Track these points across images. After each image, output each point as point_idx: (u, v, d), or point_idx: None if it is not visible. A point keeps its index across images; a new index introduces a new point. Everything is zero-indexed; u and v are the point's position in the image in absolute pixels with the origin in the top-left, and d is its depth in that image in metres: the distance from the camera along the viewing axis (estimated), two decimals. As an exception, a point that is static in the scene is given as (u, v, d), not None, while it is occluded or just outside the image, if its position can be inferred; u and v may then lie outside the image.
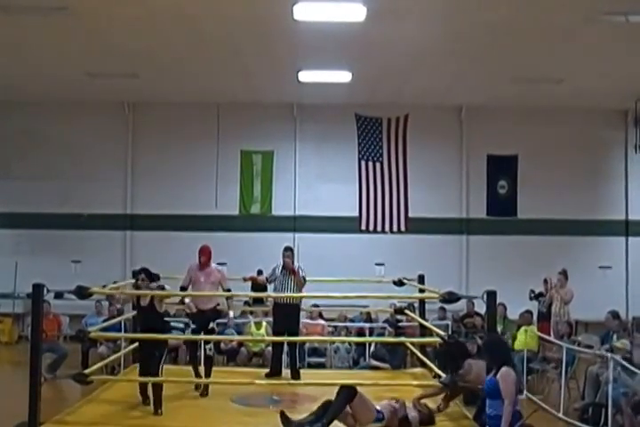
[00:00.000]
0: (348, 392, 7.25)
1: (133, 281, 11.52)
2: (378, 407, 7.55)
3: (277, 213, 18.01)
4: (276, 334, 10.67)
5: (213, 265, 9.70)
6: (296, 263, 10.62)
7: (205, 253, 9.57)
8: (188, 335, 10.45)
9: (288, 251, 10.58)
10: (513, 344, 12.71)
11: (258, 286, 13.48)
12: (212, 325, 9.56)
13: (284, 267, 10.44)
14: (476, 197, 18.13)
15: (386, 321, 14.08)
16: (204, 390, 9.12)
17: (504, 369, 6.52)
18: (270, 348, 11.83)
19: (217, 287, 9.61)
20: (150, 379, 8.02)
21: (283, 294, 10.34)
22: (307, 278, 10.44)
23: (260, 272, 13.13)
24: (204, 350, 9.89)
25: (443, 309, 14.85)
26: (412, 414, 7.68)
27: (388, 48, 12.99)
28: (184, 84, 16.10)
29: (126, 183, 18.01)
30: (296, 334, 10.59)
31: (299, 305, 10.64)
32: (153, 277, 8.48)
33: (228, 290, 9.68)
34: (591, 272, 17.26)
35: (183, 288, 9.65)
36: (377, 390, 8.46)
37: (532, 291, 14.49)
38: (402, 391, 8.37)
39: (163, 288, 8.47)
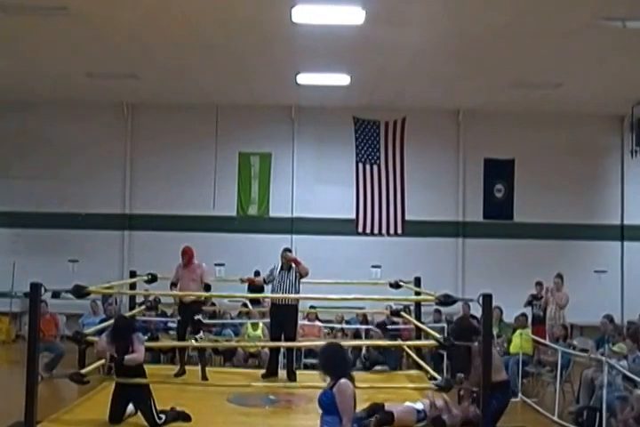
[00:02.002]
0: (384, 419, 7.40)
1: (130, 280, 11.66)
2: (419, 406, 7.55)
3: (275, 215, 18.03)
4: (273, 334, 10.72)
5: (196, 262, 10.51)
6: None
7: (186, 255, 10.48)
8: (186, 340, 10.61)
9: (286, 251, 10.67)
10: (508, 347, 12.77)
11: (255, 288, 13.54)
12: (197, 317, 10.40)
13: (282, 268, 10.49)
14: (472, 200, 18.17)
15: (378, 325, 14.04)
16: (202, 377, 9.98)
17: (342, 382, 5.67)
18: (267, 349, 11.91)
19: (199, 282, 10.43)
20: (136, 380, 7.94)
21: (280, 295, 10.39)
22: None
23: (257, 273, 13.17)
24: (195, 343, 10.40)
25: (438, 311, 14.90)
26: (456, 412, 7.65)
27: (387, 51, 13.02)
28: (183, 85, 16.14)
29: (125, 183, 18.03)
30: (293, 335, 10.62)
31: (296, 306, 10.67)
32: (126, 335, 7.89)
33: (207, 285, 10.47)
34: (586, 276, 17.32)
35: (173, 284, 10.57)
36: (373, 392, 8.50)
37: (534, 296, 14.52)
38: (397, 394, 8.42)
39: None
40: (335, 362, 5.82)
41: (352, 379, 5.73)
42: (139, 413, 7.75)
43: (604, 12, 10.75)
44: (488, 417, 7.16)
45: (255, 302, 14.66)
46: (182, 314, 10.54)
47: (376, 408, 7.65)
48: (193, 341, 10.23)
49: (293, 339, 10.60)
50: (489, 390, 7.08)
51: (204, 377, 9.99)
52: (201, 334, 10.45)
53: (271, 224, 17.89)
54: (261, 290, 13.26)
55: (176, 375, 10.08)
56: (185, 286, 10.41)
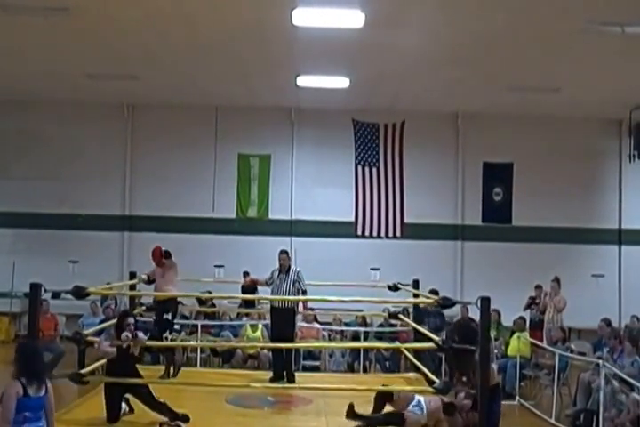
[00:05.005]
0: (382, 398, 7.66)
1: (129, 282, 11.66)
2: (423, 420, 7.58)
3: (274, 217, 18.05)
4: (273, 337, 10.70)
5: (167, 262, 10.52)
6: (293, 267, 10.63)
7: (154, 256, 10.51)
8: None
9: (283, 253, 10.61)
10: (506, 350, 12.81)
11: (247, 289, 13.57)
12: (166, 316, 10.31)
13: (280, 271, 10.47)
14: (471, 203, 18.20)
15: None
16: (174, 373, 9.84)
17: (9, 382, 5.46)
18: (266, 350, 11.92)
19: (172, 280, 10.50)
20: (134, 380, 7.94)
21: (277, 297, 10.38)
22: (305, 285, 10.49)
23: (246, 274, 13.34)
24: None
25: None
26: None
27: (386, 54, 13.06)
28: (183, 86, 16.17)
29: (124, 185, 18.06)
30: (291, 337, 10.60)
31: (294, 309, 10.67)
32: (138, 326, 8.26)
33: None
34: (584, 280, 17.32)
35: (151, 281, 10.72)
36: (371, 394, 8.52)
37: (533, 299, 14.53)
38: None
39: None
40: (18, 361, 5.61)
41: (30, 382, 5.46)
42: (135, 409, 7.75)
43: (602, 18, 10.79)
44: (493, 421, 7.16)
45: (249, 303, 14.65)
46: (156, 313, 10.55)
47: (383, 398, 7.75)
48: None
49: (291, 341, 10.59)
50: (489, 394, 7.09)
51: (173, 375, 9.85)
52: (167, 333, 10.39)
53: (270, 226, 17.91)
54: (254, 291, 13.27)
55: (173, 376, 9.98)
56: (158, 287, 10.46)
